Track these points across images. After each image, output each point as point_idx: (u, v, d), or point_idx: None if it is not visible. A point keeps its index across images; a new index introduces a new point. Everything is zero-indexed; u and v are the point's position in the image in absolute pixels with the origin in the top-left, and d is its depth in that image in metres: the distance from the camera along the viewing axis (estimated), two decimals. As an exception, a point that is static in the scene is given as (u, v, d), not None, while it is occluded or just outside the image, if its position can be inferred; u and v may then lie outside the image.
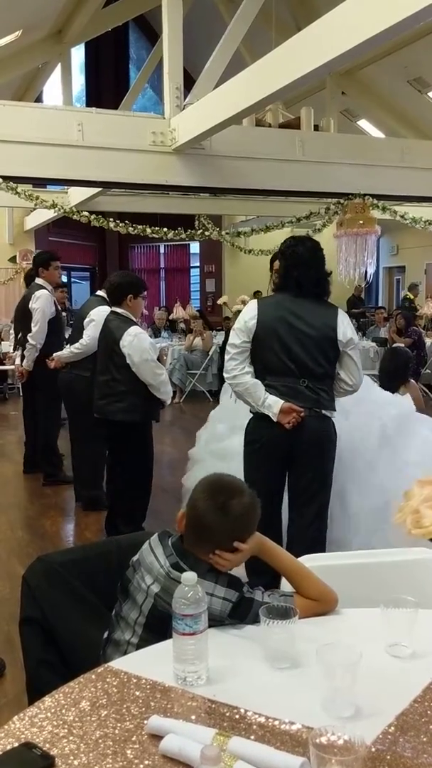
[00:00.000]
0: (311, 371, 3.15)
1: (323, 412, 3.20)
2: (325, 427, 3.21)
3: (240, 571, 1.87)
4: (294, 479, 3.24)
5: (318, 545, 3.18)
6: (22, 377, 5.95)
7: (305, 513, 3.22)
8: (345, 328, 3.18)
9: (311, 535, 3.22)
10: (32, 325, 5.72)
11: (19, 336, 6.24)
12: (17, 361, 6.11)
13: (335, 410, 3.26)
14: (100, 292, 5.13)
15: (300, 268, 3.21)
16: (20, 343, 6.05)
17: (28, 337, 5.74)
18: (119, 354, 4.09)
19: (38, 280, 5.92)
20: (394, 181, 7.56)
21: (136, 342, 4.06)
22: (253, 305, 3.26)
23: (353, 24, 3.86)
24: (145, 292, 4.37)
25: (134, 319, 4.27)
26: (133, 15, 11.25)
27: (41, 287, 5.83)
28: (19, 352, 6.08)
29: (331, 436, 3.24)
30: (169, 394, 4.31)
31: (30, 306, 5.76)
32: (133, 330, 4.11)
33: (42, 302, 5.71)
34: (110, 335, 4.19)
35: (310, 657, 1.37)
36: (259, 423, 3.20)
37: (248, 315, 3.21)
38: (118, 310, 4.25)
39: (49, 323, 5.73)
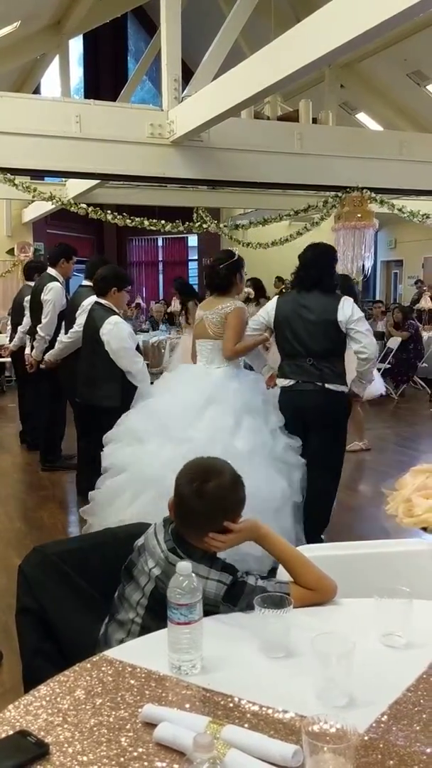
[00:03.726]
0: (315, 352, 3.85)
1: (326, 386, 3.83)
2: (328, 399, 3.84)
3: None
4: (309, 443, 3.88)
5: (324, 496, 3.92)
6: (32, 367, 5.99)
7: (314, 469, 3.84)
8: (344, 310, 3.80)
9: (319, 487, 3.85)
10: (42, 317, 5.77)
11: (27, 326, 6.36)
12: (27, 350, 6.15)
13: (344, 384, 3.89)
14: (86, 282, 5.20)
15: (305, 269, 3.99)
16: (30, 333, 6.11)
17: (38, 329, 5.80)
18: (100, 342, 4.33)
19: (51, 271, 5.93)
20: (393, 175, 7.55)
21: (115, 330, 4.30)
22: (273, 302, 4.12)
23: (352, 15, 3.85)
24: (129, 287, 4.66)
25: (117, 310, 4.49)
26: (131, 6, 11.22)
27: (54, 279, 5.85)
28: (29, 341, 6.13)
29: (334, 406, 3.87)
30: (147, 382, 4.46)
31: (42, 298, 5.79)
32: (113, 319, 4.36)
33: (54, 294, 5.75)
34: (93, 324, 4.45)
35: (305, 646, 1.38)
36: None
37: (269, 308, 4.09)
38: (102, 300, 4.49)
39: (58, 316, 5.76)
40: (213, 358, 4.01)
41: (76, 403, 4.94)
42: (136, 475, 3.67)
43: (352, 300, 3.91)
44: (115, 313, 4.43)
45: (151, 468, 3.55)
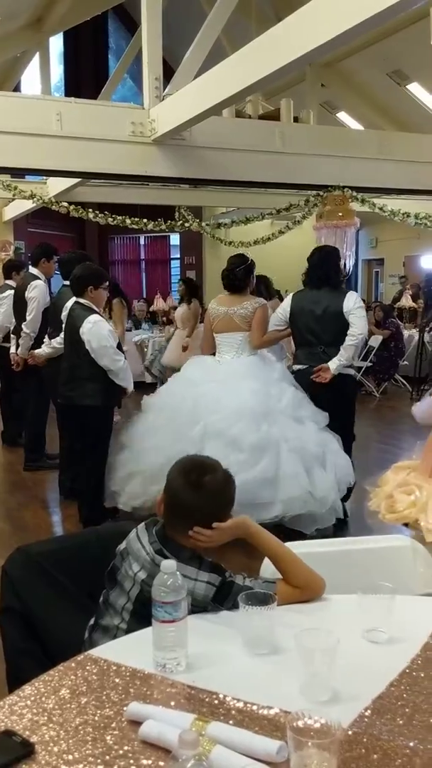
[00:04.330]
0: (325, 341, 4.52)
1: None
2: (340, 382, 4.49)
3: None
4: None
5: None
6: (18, 366, 5.99)
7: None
8: (348, 302, 4.48)
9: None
10: (27, 314, 5.83)
11: (4, 325, 6.47)
12: (12, 349, 6.15)
13: (352, 369, 4.69)
14: (68, 283, 5.19)
15: (314, 269, 4.68)
16: (15, 332, 6.13)
17: (23, 326, 5.86)
18: (80, 341, 4.31)
19: (33, 270, 6.03)
20: (373, 173, 7.58)
21: (95, 329, 4.28)
22: (288, 299, 4.78)
23: (333, 14, 3.86)
24: (107, 283, 4.59)
25: (96, 309, 4.46)
26: (112, 5, 11.15)
27: (36, 278, 5.94)
28: (14, 341, 6.14)
29: (341, 386, 4.54)
30: (130, 381, 4.48)
31: (26, 295, 5.86)
32: (93, 318, 4.33)
33: (38, 292, 5.84)
34: (73, 324, 4.42)
35: (289, 642, 1.39)
36: None
37: (285, 305, 4.76)
38: (81, 300, 4.46)
39: (42, 313, 5.83)
40: (243, 348, 4.65)
41: (58, 404, 4.93)
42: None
43: (356, 294, 4.65)
44: (94, 312, 4.40)
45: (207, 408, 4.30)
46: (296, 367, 4.71)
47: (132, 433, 4.62)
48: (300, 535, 4.07)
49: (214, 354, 4.76)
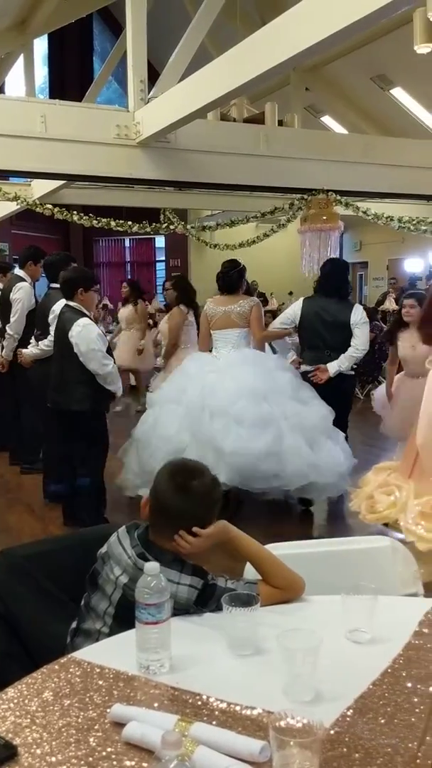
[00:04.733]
0: (332, 346, 4.94)
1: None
2: (340, 380, 4.95)
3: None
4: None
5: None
6: (3, 367, 5.98)
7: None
8: (355, 316, 4.94)
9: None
10: (11, 316, 5.83)
11: None
12: None
13: (351, 371, 5.11)
14: (55, 285, 5.17)
15: (326, 279, 5.18)
16: (0, 334, 6.12)
17: (7, 327, 5.86)
18: (69, 345, 4.26)
19: (19, 272, 6.04)
20: (357, 177, 7.62)
21: (84, 332, 4.23)
22: (299, 303, 5.21)
23: (318, 18, 3.88)
24: (97, 285, 4.52)
25: (86, 311, 4.42)
26: (97, 7, 11.15)
27: (22, 279, 5.95)
28: None
29: (343, 385, 5.04)
30: (119, 385, 4.44)
31: (11, 297, 5.87)
32: (82, 321, 4.28)
33: (23, 294, 5.85)
34: (62, 327, 4.38)
35: (272, 643, 1.40)
36: None
37: (296, 308, 5.19)
38: (71, 303, 4.42)
39: (27, 315, 5.83)
40: (239, 344, 5.03)
41: (46, 408, 4.90)
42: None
43: (362, 307, 5.17)
44: (84, 315, 4.35)
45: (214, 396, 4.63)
46: (304, 368, 5.13)
47: (142, 427, 4.92)
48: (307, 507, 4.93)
49: (210, 351, 5.16)
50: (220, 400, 4.53)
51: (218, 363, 4.92)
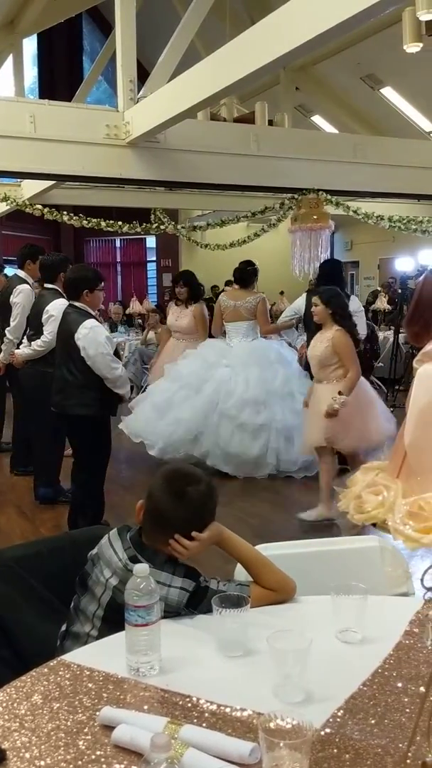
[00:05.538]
0: None
1: None
2: None
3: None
4: None
5: None
6: (0, 371, 5.90)
7: None
8: (351, 305, 5.11)
9: None
10: (11, 319, 5.70)
11: None
12: None
13: None
14: (49, 285, 5.11)
15: (324, 276, 5.73)
16: None
17: (6, 331, 5.72)
18: (75, 347, 4.05)
19: (20, 273, 5.89)
20: (347, 177, 7.64)
21: (91, 335, 4.02)
22: (303, 297, 5.99)
23: (307, 18, 3.89)
24: (102, 284, 4.34)
25: (92, 312, 4.24)
26: (86, 7, 11.12)
27: (23, 281, 5.81)
28: None
29: None
30: (127, 388, 4.30)
31: (11, 300, 5.73)
32: (89, 323, 4.07)
33: (23, 297, 5.70)
34: (67, 329, 4.16)
35: (262, 644, 1.39)
36: None
37: (300, 301, 6.02)
38: (77, 303, 4.21)
39: (27, 318, 5.64)
40: (248, 334, 6.11)
41: (37, 410, 4.85)
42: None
43: (357, 298, 6.14)
44: (91, 316, 4.15)
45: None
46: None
47: (162, 395, 5.96)
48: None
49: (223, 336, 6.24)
50: (230, 407, 5.70)
51: (231, 353, 6.02)
